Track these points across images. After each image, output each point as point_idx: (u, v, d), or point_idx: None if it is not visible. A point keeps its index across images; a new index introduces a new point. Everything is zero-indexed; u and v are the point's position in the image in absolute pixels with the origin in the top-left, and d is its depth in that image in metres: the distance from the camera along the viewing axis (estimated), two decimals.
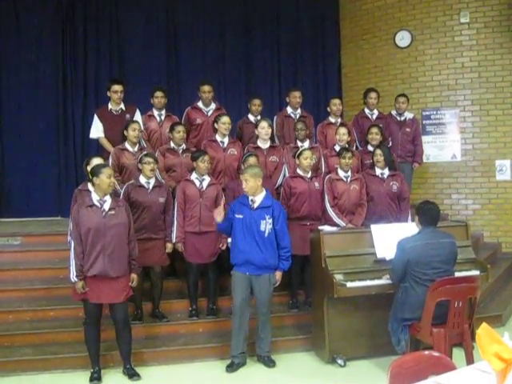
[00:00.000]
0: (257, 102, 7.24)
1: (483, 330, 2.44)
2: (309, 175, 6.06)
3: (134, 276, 5.00)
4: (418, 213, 4.85)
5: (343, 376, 5.06)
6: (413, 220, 5.95)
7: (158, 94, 6.93)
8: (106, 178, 4.82)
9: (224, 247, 5.90)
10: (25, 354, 5.33)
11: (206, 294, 6.09)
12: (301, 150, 6.14)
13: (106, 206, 4.86)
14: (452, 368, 2.92)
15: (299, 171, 6.09)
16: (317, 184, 6.06)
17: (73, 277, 4.81)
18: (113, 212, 4.85)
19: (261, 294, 5.21)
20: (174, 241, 5.78)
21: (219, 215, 5.24)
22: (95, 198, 4.88)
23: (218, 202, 5.82)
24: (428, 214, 4.78)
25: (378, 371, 4.98)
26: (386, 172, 6.33)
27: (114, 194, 5.60)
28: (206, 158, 5.86)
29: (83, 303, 4.95)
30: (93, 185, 4.95)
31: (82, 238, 4.77)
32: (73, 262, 4.82)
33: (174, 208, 5.82)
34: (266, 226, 5.14)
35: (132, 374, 5.03)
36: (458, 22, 8.82)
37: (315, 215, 6.04)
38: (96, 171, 4.88)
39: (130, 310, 5.85)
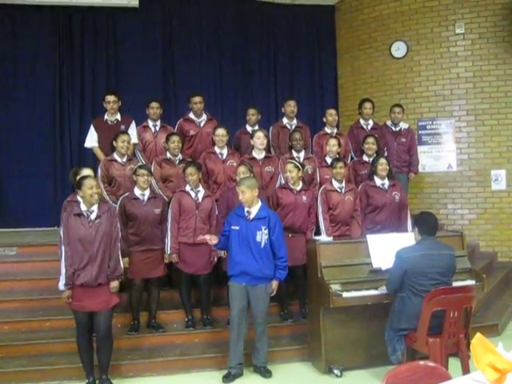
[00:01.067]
0: (251, 111, 7.28)
1: (477, 340, 2.45)
2: (298, 188, 6.06)
3: (112, 284, 4.93)
4: (416, 224, 4.88)
5: None
6: (413, 228, 6.00)
7: (154, 104, 6.96)
8: (87, 189, 4.84)
9: (215, 261, 5.92)
10: (20, 365, 5.32)
11: (199, 305, 6.08)
12: (286, 162, 6.15)
13: (93, 216, 4.86)
14: (447, 378, 2.92)
15: (289, 183, 6.08)
16: (304, 198, 6.03)
17: (61, 285, 4.82)
18: (98, 220, 4.86)
19: (257, 304, 5.21)
20: (168, 252, 5.78)
21: (211, 240, 5.24)
22: (83, 208, 4.89)
23: (212, 216, 5.88)
24: (426, 224, 4.80)
25: (374, 381, 4.98)
26: (386, 182, 6.35)
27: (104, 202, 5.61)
28: (194, 169, 5.85)
29: (73, 313, 4.94)
30: (75, 197, 5.00)
31: (71, 245, 4.79)
32: (63, 271, 4.80)
33: (167, 219, 5.82)
34: (262, 236, 5.15)
35: None
36: (454, 33, 8.89)
37: (298, 228, 6.02)
38: (78, 184, 4.94)
39: (127, 320, 5.88)
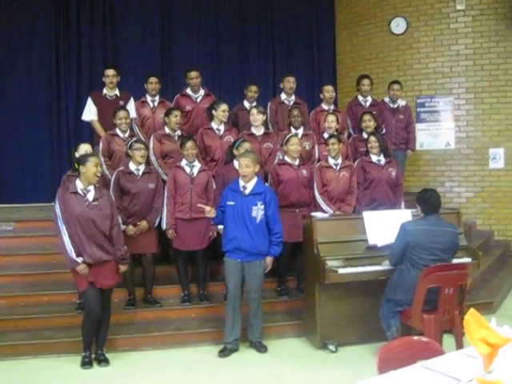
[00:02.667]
0: (253, 88, 7.23)
1: (471, 316, 2.46)
2: (296, 162, 6.03)
3: (122, 268, 4.99)
4: (419, 202, 4.87)
5: (334, 361, 5.09)
6: (406, 207, 6.00)
7: (152, 79, 6.92)
8: (92, 166, 4.79)
9: (214, 235, 5.91)
10: (18, 339, 5.35)
11: (195, 280, 6.10)
12: (288, 136, 6.12)
13: (90, 197, 4.82)
14: (440, 353, 2.95)
15: (287, 158, 6.06)
16: (304, 171, 6.03)
17: (72, 259, 4.71)
18: (96, 203, 4.82)
19: (252, 280, 5.22)
20: (164, 227, 5.77)
21: (210, 213, 5.23)
22: (79, 186, 4.84)
23: (209, 190, 5.85)
24: (429, 202, 4.80)
25: (368, 357, 5.01)
26: (382, 159, 6.34)
27: (103, 181, 5.60)
28: (192, 143, 5.83)
29: (84, 295, 4.90)
30: (78, 173, 4.91)
31: (69, 222, 4.75)
32: (69, 247, 4.73)
33: (164, 194, 5.81)
34: (258, 212, 5.14)
35: (101, 360, 5.03)
36: (454, 9, 8.80)
37: (304, 202, 6.02)
38: (83, 160, 4.86)
39: (123, 295, 5.90)
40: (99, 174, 4.89)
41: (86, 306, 4.93)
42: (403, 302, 4.66)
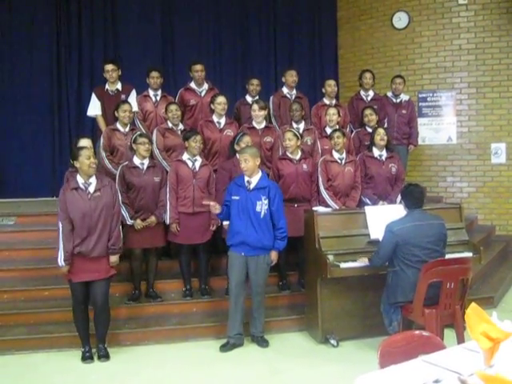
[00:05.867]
0: (255, 81, 7.23)
1: (472, 310, 2.46)
2: (297, 157, 6.02)
3: (113, 258, 4.96)
4: (403, 196, 4.87)
5: (336, 356, 5.10)
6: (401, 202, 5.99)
7: (154, 74, 6.90)
8: (85, 159, 4.81)
9: (214, 228, 5.91)
10: (19, 333, 5.37)
11: (197, 275, 6.11)
12: (285, 131, 6.12)
13: (91, 189, 4.85)
14: (442, 347, 2.95)
15: (287, 153, 6.06)
16: (305, 166, 6.01)
17: (60, 261, 4.81)
18: (98, 193, 4.85)
19: (256, 275, 5.22)
20: (168, 222, 5.77)
21: (215, 208, 5.23)
22: (80, 180, 4.87)
23: (210, 184, 5.86)
24: (412, 196, 4.78)
25: (370, 351, 5.00)
26: (384, 153, 6.32)
27: (107, 174, 5.62)
28: (198, 137, 5.84)
29: (69, 284, 4.96)
30: (75, 168, 4.95)
31: (69, 220, 4.78)
32: (61, 246, 4.80)
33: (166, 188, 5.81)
34: (262, 206, 5.14)
35: (101, 355, 5.04)
36: (456, 4, 8.78)
37: (303, 197, 6.01)
38: (75, 154, 4.90)
39: (125, 289, 5.91)
40: (94, 165, 4.88)
41: (73, 299, 4.97)
42: (404, 302, 4.65)
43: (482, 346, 2.38)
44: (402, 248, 4.60)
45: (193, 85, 7.06)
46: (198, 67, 6.97)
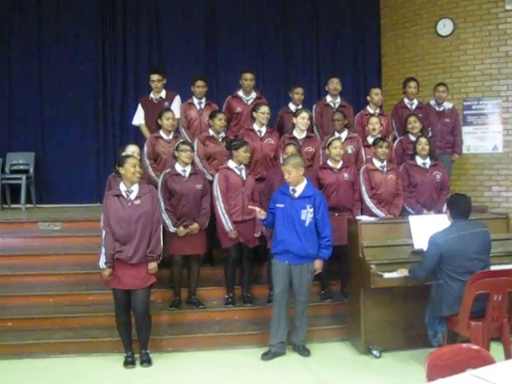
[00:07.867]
0: (299, 90, 7.24)
1: None
2: (338, 166, 6.01)
3: (151, 265, 4.97)
4: (449, 206, 4.79)
5: (378, 367, 5.03)
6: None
7: (200, 83, 6.93)
8: (130, 167, 4.89)
9: (258, 235, 5.91)
10: (63, 337, 5.47)
11: (239, 282, 6.11)
12: (330, 139, 6.11)
13: (132, 196, 4.92)
14: (491, 362, 2.87)
15: (329, 162, 6.05)
16: (346, 175, 5.99)
17: (102, 263, 4.89)
18: (138, 201, 4.90)
19: (300, 283, 5.20)
20: (228, 231, 5.74)
21: (260, 213, 5.25)
22: (123, 188, 4.95)
23: (255, 195, 5.88)
24: (458, 207, 4.70)
25: (413, 363, 4.94)
26: (428, 162, 6.26)
27: (150, 182, 5.68)
28: (249, 147, 5.90)
29: (112, 290, 5.03)
30: (119, 175, 5.03)
31: (111, 226, 4.87)
32: (103, 250, 4.89)
33: (214, 197, 5.79)
34: (307, 215, 5.13)
35: (143, 360, 5.08)
36: (503, 9, 8.58)
37: (343, 206, 5.98)
38: (121, 161, 4.97)
39: (167, 296, 5.95)
40: (139, 174, 4.96)
41: (115, 304, 5.05)
42: (451, 315, 4.56)
43: None
44: (446, 260, 4.52)
45: (240, 93, 7.08)
46: (248, 76, 6.99)
